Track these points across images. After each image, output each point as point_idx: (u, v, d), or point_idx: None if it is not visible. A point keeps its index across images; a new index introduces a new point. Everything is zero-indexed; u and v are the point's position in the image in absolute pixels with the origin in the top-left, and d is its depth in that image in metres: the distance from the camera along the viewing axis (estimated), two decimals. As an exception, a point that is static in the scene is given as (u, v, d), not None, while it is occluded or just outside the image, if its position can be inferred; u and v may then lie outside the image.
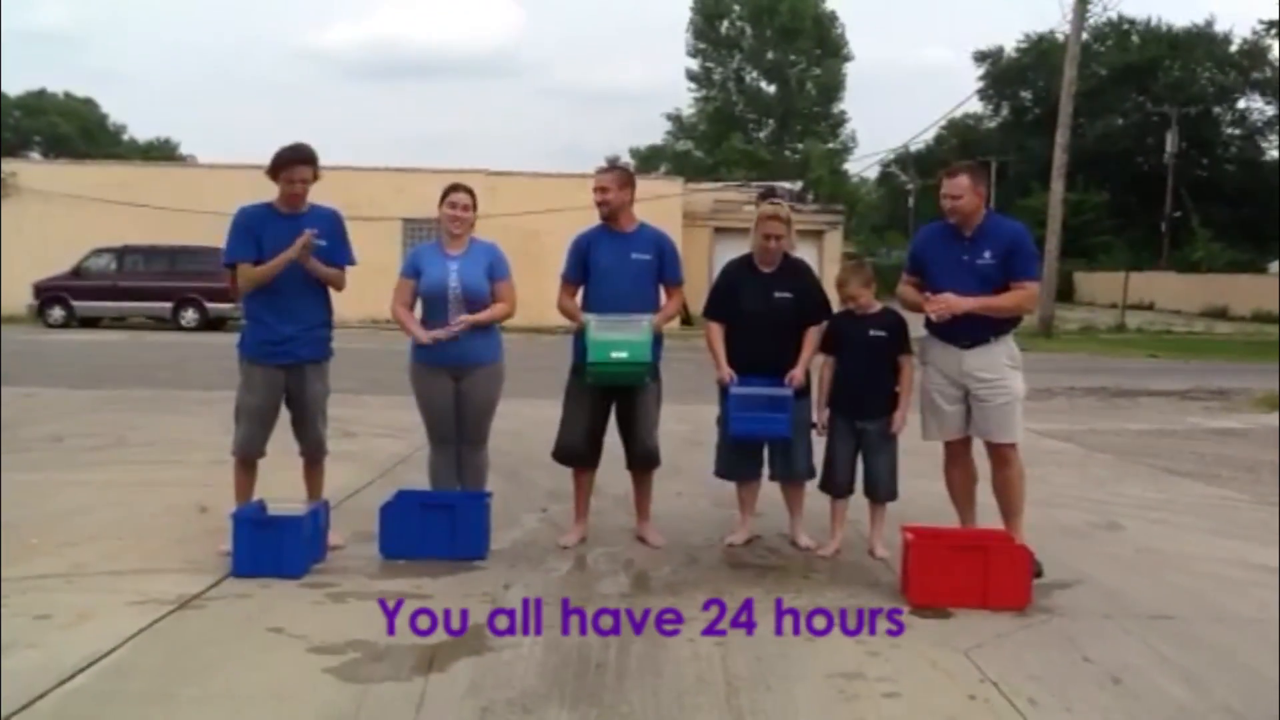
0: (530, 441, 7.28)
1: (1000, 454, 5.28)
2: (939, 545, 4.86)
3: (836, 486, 5.58)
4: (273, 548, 4.89)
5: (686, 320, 29.11)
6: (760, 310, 5.49)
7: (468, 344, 5.38)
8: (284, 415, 5.41)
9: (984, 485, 5.42)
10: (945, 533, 5.10)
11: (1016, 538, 5.21)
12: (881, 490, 5.52)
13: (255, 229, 5.22)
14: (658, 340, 5.49)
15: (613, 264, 5.51)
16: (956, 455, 5.41)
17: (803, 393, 5.53)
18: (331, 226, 5.35)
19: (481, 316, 5.36)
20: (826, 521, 5.63)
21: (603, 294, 5.50)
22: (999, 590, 4.68)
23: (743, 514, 5.79)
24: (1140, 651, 4.21)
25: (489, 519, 5.38)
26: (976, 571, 4.69)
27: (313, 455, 5.51)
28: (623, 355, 5.32)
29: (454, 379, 5.46)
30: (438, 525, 5.23)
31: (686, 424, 7.86)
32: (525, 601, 4.61)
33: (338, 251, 5.37)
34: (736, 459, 5.66)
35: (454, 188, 5.54)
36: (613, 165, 5.77)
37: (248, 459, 5.36)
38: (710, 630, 4.33)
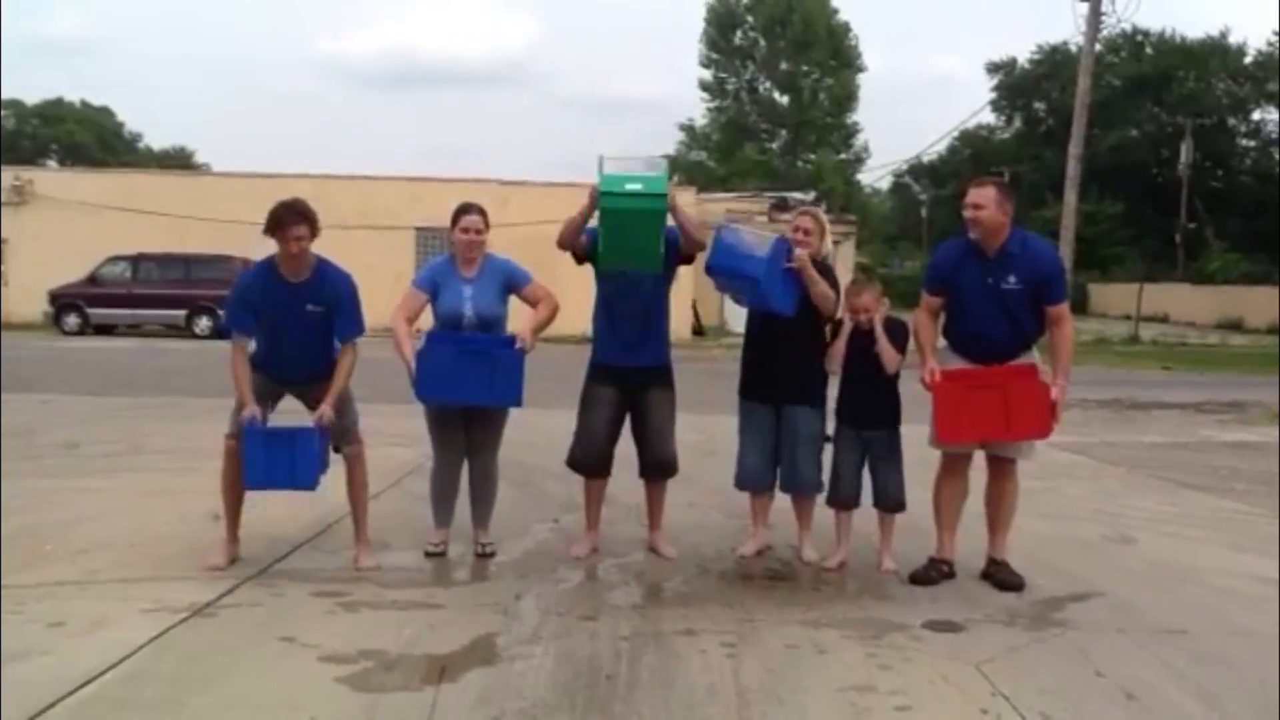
0: (542, 451, 7.28)
1: (1004, 467, 5.29)
2: (960, 385, 5.03)
3: (841, 499, 5.56)
4: (285, 458, 4.85)
5: (699, 331, 28.96)
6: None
7: None
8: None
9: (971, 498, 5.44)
10: (966, 373, 5.13)
11: (1002, 554, 5.31)
12: (889, 500, 5.50)
13: (254, 299, 5.08)
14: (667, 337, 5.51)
15: (623, 275, 5.44)
16: (957, 469, 5.36)
17: (814, 402, 5.53)
18: (338, 293, 5.12)
19: (535, 325, 5.29)
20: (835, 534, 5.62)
21: (611, 291, 5.47)
22: (1021, 421, 4.93)
23: (755, 525, 5.78)
24: (1154, 666, 4.19)
25: (524, 367, 5.21)
26: (997, 405, 4.91)
27: (338, 441, 5.29)
28: (637, 187, 5.09)
29: None
30: (476, 371, 5.11)
31: (699, 434, 7.85)
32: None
33: (344, 323, 5.14)
34: (754, 471, 5.63)
35: (465, 209, 5.41)
36: None
37: (230, 441, 5.18)
38: (721, 642, 4.32)
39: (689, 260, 5.57)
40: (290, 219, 4.96)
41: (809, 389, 5.50)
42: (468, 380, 5.11)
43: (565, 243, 5.36)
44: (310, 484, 4.90)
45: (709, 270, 5.34)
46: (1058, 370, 5.07)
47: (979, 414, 4.97)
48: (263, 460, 4.88)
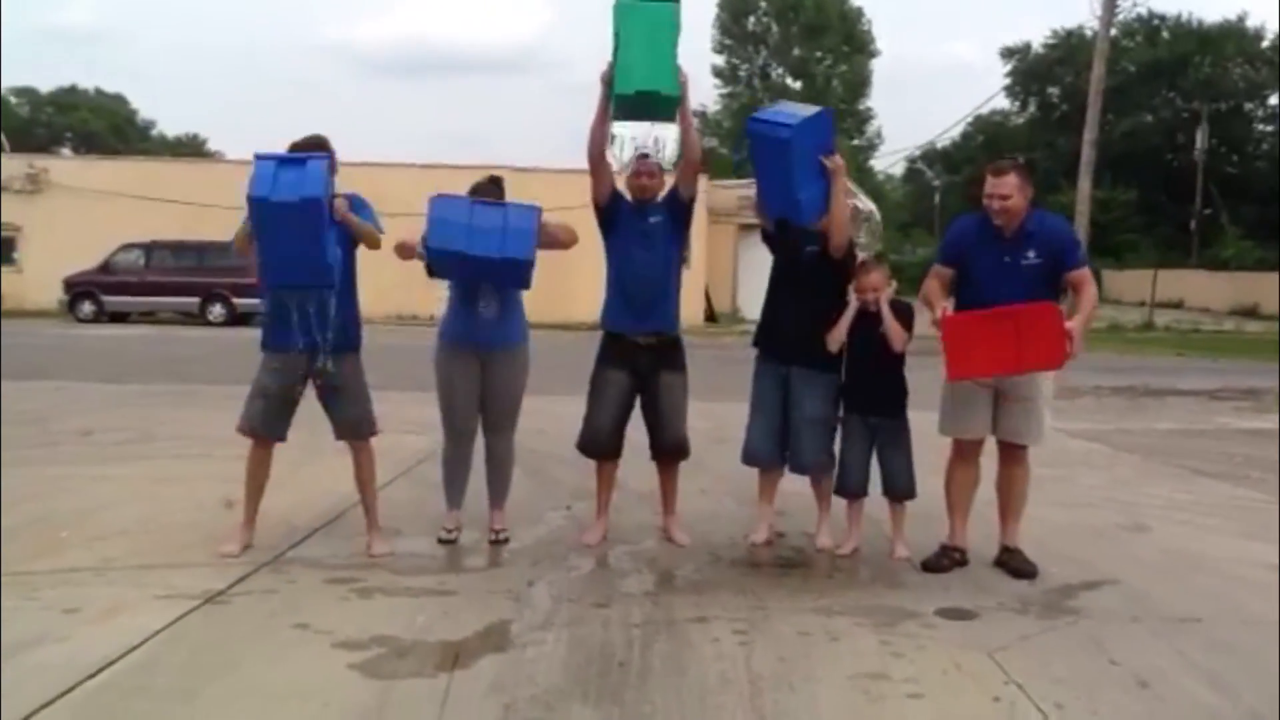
0: (553, 438, 7.28)
1: (1015, 454, 5.28)
2: (971, 320, 4.98)
3: (850, 488, 5.54)
4: (294, 175, 4.79)
5: (711, 318, 28.84)
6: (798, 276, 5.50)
7: (494, 326, 5.37)
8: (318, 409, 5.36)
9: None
10: (978, 312, 5.07)
11: (1014, 541, 5.29)
12: (899, 489, 5.48)
13: None
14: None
15: (632, 237, 5.48)
16: (968, 456, 5.35)
17: (822, 368, 5.45)
18: (351, 205, 5.16)
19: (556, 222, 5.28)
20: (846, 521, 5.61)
21: (622, 251, 5.50)
22: (1033, 351, 4.84)
23: (761, 503, 5.75)
24: (1168, 655, 4.18)
25: (536, 230, 5.19)
26: (1009, 336, 4.82)
27: (349, 437, 5.34)
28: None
29: (480, 363, 5.44)
30: (488, 224, 5.05)
31: (710, 421, 7.84)
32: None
33: (360, 214, 5.18)
34: (759, 449, 5.60)
35: (477, 190, 5.38)
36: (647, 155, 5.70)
37: (256, 437, 5.22)
38: (733, 630, 4.32)
39: (693, 178, 5.55)
40: (307, 149, 5.04)
41: (817, 352, 5.42)
42: (478, 231, 5.04)
43: (594, 148, 5.41)
44: (316, 194, 4.78)
45: (748, 122, 5.33)
46: (1079, 310, 5.06)
47: (990, 346, 4.85)
48: (270, 181, 4.81)
